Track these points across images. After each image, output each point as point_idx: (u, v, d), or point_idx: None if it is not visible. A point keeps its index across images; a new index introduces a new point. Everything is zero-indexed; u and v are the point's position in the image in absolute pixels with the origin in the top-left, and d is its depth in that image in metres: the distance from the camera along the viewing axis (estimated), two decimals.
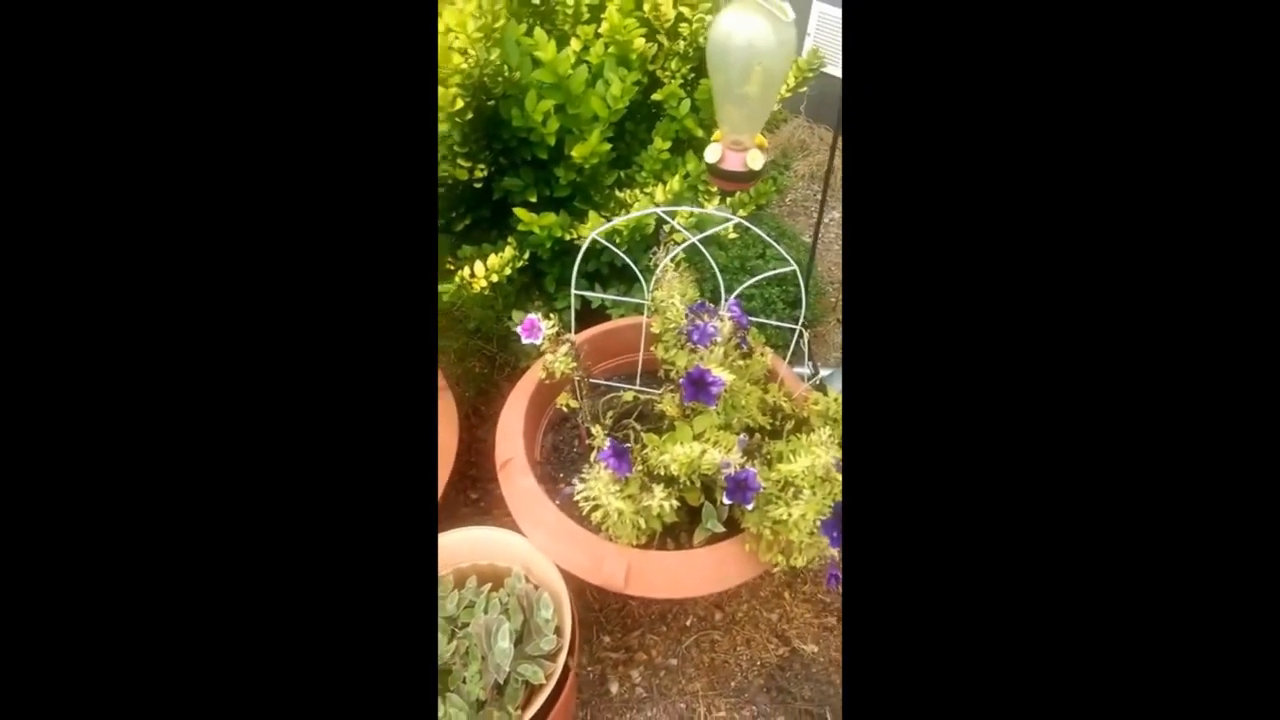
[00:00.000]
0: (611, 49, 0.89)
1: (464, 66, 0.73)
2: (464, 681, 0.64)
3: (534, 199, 0.93)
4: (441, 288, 0.94)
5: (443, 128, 0.81)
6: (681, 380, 0.62)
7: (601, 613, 0.87)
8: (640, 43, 0.88)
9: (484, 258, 0.93)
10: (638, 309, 0.95)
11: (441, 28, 0.71)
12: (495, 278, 0.92)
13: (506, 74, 0.78)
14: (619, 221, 0.79)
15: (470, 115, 0.78)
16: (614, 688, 0.81)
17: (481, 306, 1.01)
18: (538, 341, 0.68)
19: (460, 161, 0.92)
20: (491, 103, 0.85)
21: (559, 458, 0.81)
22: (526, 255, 0.98)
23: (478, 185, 0.96)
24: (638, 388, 0.81)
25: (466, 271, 0.91)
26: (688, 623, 0.87)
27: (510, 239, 0.97)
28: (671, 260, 0.72)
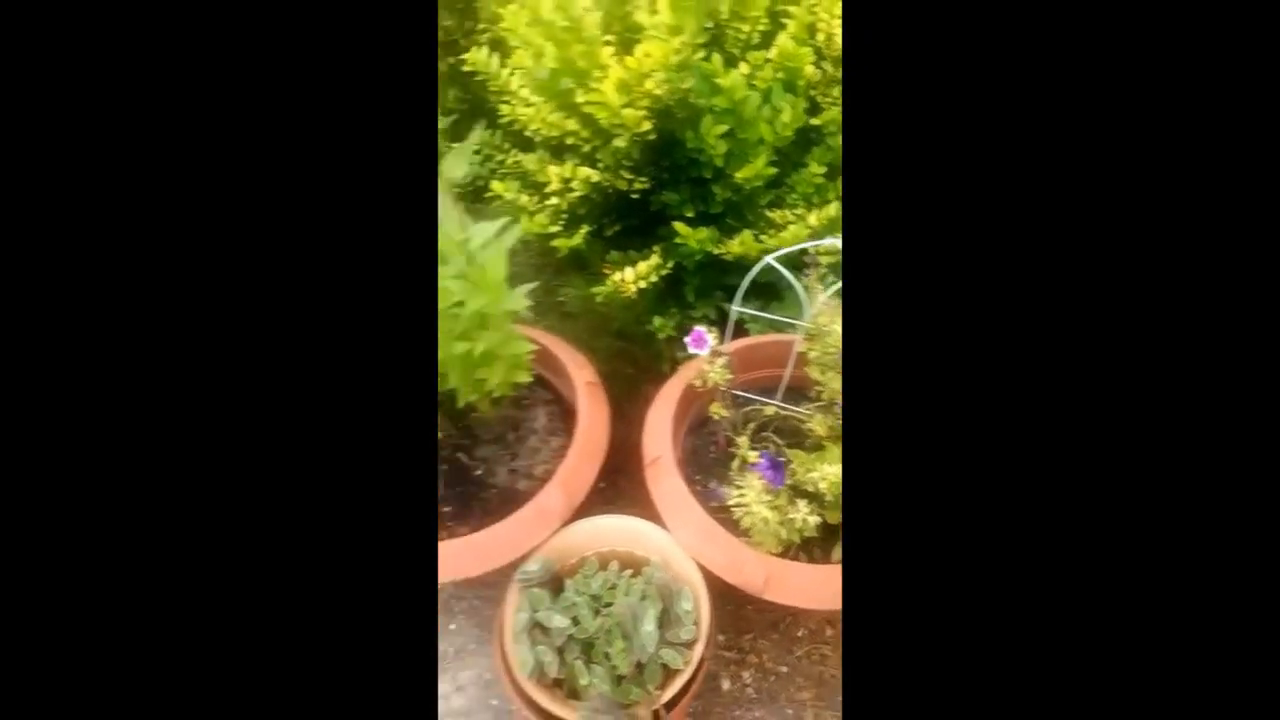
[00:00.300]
0: (780, 74, 0.92)
1: (657, 92, 0.78)
2: (606, 656, 0.70)
3: (690, 214, 0.98)
4: (595, 289, 1.01)
5: (621, 143, 0.87)
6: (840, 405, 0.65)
7: (718, 613, 0.92)
8: (810, 69, 0.91)
9: (632, 263, 1.00)
10: (779, 325, 0.99)
11: (640, 53, 0.77)
12: (643, 284, 0.98)
13: (691, 99, 0.83)
14: (784, 251, 0.83)
15: (653, 136, 0.84)
16: (725, 684, 0.86)
17: (625, 309, 1.07)
18: (704, 352, 0.72)
19: (623, 174, 0.98)
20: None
21: (697, 460, 0.86)
22: (670, 264, 1.04)
23: (634, 196, 1.02)
24: (778, 403, 0.84)
25: (618, 276, 0.97)
26: (799, 634, 0.90)
27: (656, 248, 1.03)
28: (832, 289, 0.75)
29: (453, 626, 0.89)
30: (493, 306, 0.61)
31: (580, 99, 0.86)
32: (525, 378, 0.74)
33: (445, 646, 0.87)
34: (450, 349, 0.66)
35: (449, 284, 0.63)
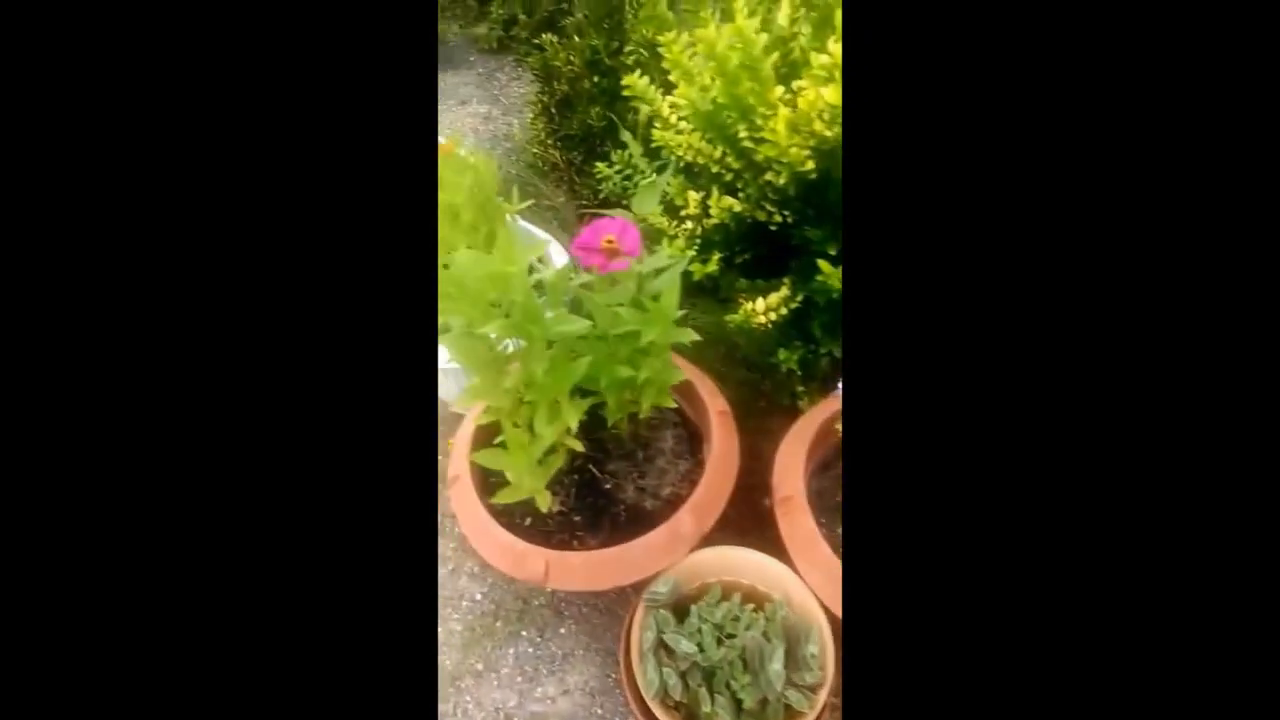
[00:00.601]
0: None
1: (826, 133, 0.79)
2: (728, 686, 0.71)
3: (832, 251, 0.98)
4: (728, 317, 1.02)
5: (779, 180, 0.88)
6: None
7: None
8: None
9: (762, 293, 1.00)
10: None
11: (812, 96, 0.78)
12: (772, 315, 0.98)
13: None
14: None
15: (814, 175, 0.85)
16: None
17: (750, 339, 1.08)
18: None
19: (768, 206, 0.99)
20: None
21: (822, 503, 0.86)
22: (800, 298, 1.04)
23: (773, 229, 1.03)
24: None
25: (749, 305, 0.98)
26: None
27: (786, 280, 1.03)
28: None
29: (563, 630, 0.92)
30: (663, 338, 0.64)
31: (742, 134, 0.88)
32: (669, 403, 0.76)
33: (555, 649, 0.90)
34: (613, 372, 0.68)
35: (620, 310, 0.66)
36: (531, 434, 0.73)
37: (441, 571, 1.00)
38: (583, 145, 1.40)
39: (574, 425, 0.67)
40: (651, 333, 0.62)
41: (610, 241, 0.56)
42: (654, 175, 0.72)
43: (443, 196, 0.89)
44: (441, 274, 0.68)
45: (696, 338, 0.65)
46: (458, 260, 0.65)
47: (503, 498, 0.70)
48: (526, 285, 0.65)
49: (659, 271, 0.72)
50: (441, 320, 0.82)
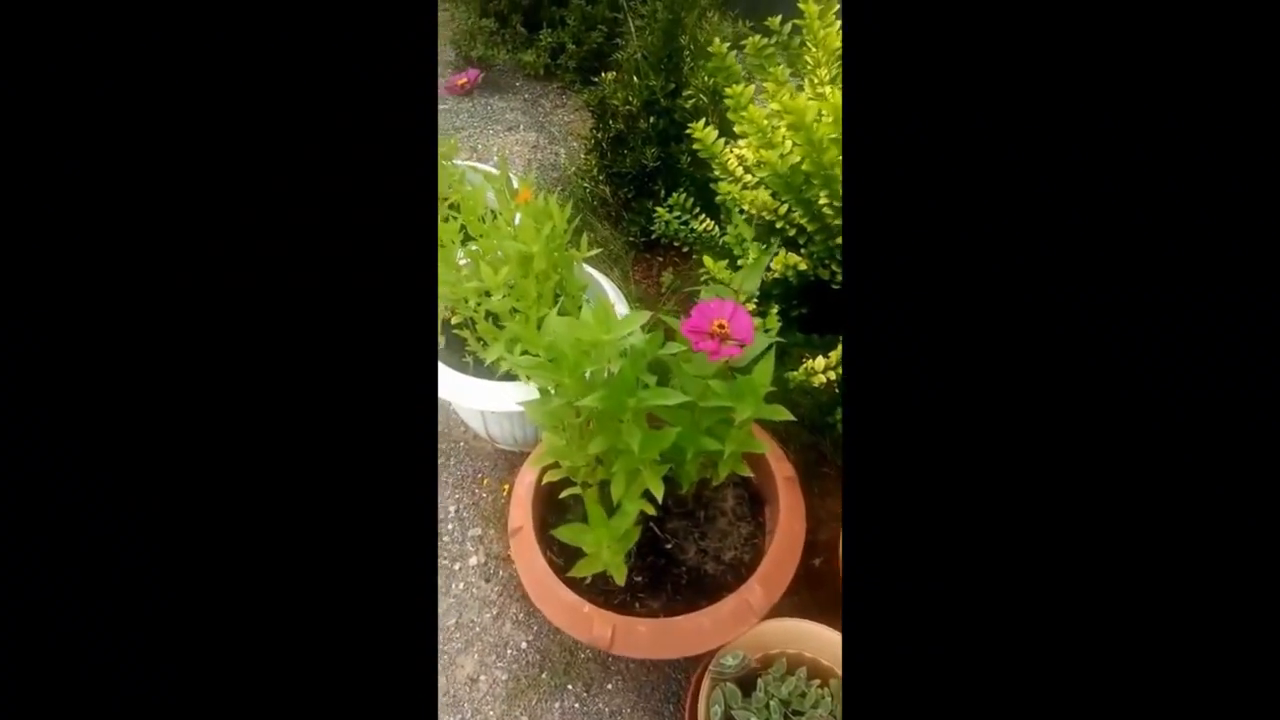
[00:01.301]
0: None
1: None
2: None
3: None
4: (790, 374, 1.02)
5: (837, 240, 0.88)
6: None
7: None
8: None
9: (820, 350, 1.00)
10: None
11: None
12: (831, 374, 0.98)
13: None
14: None
15: None
16: None
17: (806, 396, 1.08)
18: None
19: (833, 266, 1.00)
20: None
21: None
22: None
23: (835, 287, 1.03)
24: None
25: (810, 363, 0.98)
26: None
27: (841, 337, 1.03)
28: None
29: (609, 687, 0.91)
30: (755, 415, 0.63)
31: (821, 199, 0.88)
32: (745, 471, 0.76)
33: (602, 706, 0.89)
34: (699, 444, 0.68)
35: (712, 384, 0.65)
36: (605, 496, 0.72)
37: (484, 616, 0.99)
38: (633, 183, 1.40)
39: (658, 493, 0.66)
40: (746, 410, 0.62)
41: (722, 326, 0.56)
42: (758, 253, 0.72)
43: (517, 244, 0.89)
44: (529, 333, 0.68)
45: (790, 417, 0.65)
46: (549, 325, 0.65)
47: (581, 570, 0.70)
48: (620, 355, 0.65)
49: (743, 345, 0.72)
50: (525, 377, 0.80)
